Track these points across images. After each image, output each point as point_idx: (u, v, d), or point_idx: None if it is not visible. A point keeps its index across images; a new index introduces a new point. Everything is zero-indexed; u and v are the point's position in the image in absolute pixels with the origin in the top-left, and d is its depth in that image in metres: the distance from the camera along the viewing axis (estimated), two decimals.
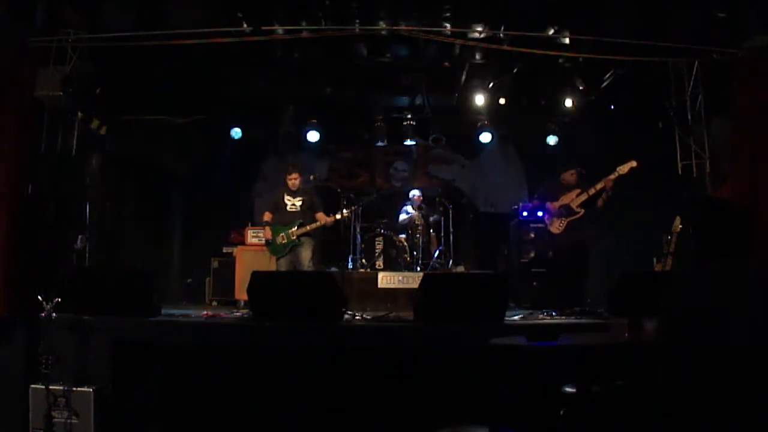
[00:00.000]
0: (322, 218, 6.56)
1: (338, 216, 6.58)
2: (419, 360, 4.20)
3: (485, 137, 8.49)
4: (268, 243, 6.61)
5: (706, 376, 1.98)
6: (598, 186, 5.90)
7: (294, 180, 6.64)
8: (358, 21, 6.08)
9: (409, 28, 6.51)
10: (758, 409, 1.89)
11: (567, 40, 6.38)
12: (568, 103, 7.85)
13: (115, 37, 5.64)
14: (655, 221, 6.73)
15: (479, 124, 8.41)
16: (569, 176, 6.20)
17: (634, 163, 5.82)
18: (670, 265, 6.12)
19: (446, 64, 7.63)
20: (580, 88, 7.62)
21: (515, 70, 7.49)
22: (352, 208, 7.06)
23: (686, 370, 2.03)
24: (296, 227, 6.46)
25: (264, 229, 6.60)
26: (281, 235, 6.46)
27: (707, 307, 2.05)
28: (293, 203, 6.61)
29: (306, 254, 6.49)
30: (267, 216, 6.69)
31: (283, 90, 8.13)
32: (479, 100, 7.89)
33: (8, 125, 4.91)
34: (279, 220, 6.58)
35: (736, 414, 1.91)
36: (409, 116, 9.00)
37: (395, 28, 6.49)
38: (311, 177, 7.19)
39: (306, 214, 6.59)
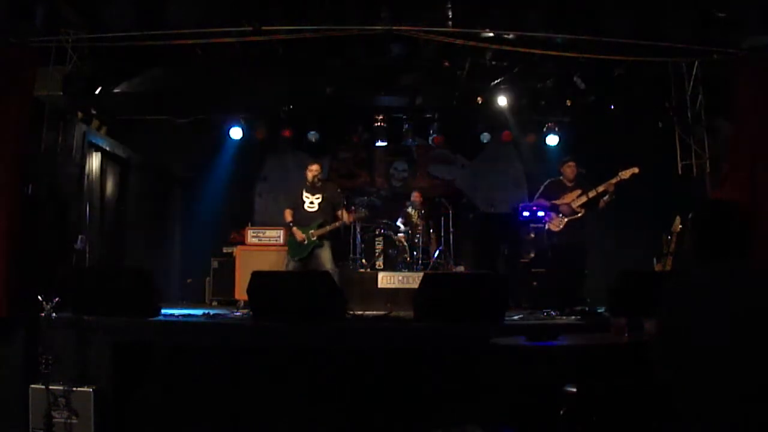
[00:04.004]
0: (343, 216, 6.31)
1: (353, 216, 6.50)
2: (419, 360, 4.20)
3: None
4: (290, 243, 6.33)
5: (704, 375, 1.98)
6: (600, 188, 5.91)
7: (314, 172, 6.35)
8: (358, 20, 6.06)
9: (409, 27, 6.52)
10: (756, 408, 1.89)
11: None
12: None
13: (115, 37, 5.63)
14: (655, 221, 6.73)
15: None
16: (568, 169, 6.20)
17: (636, 170, 5.83)
18: (670, 265, 6.13)
19: (446, 63, 7.64)
20: (580, 87, 7.62)
21: (515, 70, 7.50)
22: (362, 210, 6.90)
23: (685, 370, 2.03)
24: (316, 228, 6.20)
25: (293, 230, 6.24)
26: (302, 236, 6.21)
27: (706, 307, 2.05)
28: (311, 201, 6.31)
29: (326, 256, 6.22)
30: (288, 215, 6.36)
31: (282, 90, 8.14)
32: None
33: (8, 125, 4.91)
34: (298, 220, 6.29)
35: (734, 412, 1.91)
36: (410, 116, 9.03)
37: (394, 27, 6.50)
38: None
39: (325, 213, 6.31)
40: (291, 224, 6.29)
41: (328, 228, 6.23)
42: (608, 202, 5.91)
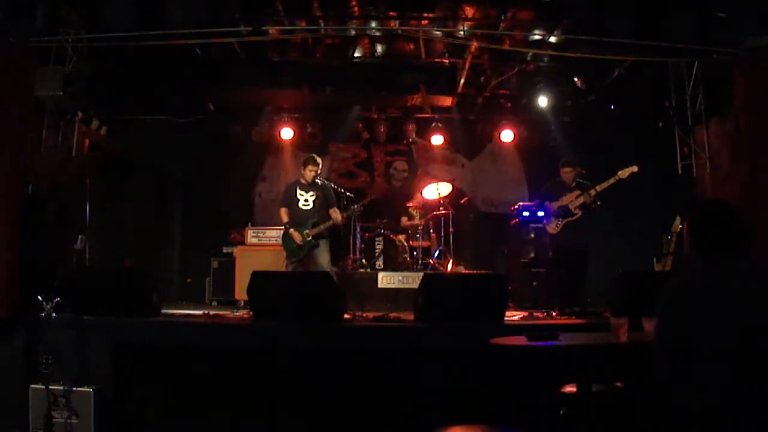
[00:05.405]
0: (335, 215, 6.24)
1: (346, 214, 6.42)
2: (419, 360, 4.20)
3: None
4: (287, 245, 6.22)
5: (704, 375, 1.98)
6: (599, 188, 5.89)
7: (311, 172, 6.24)
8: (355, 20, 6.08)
9: (407, 27, 6.53)
10: (756, 407, 1.89)
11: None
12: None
13: (115, 37, 5.64)
14: (655, 221, 6.73)
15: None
16: (565, 175, 6.18)
17: (635, 168, 5.79)
18: (670, 265, 6.13)
19: (446, 62, 7.65)
20: (581, 87, 7.63)
21: (516, 69, 7.51)
22: (358, 205, 6.76)
23: (684, 370, 2.03)
24: (311, 227, 6.13)
25: (290, 232, 6.13)
26: (300, 238, 6.14)
27: (705, 307, 2.05)
28: (306, 199, 6.23)
29: (324, 257, 6.16)
30: (284, 215, 6.28)
31: (282, 90, 8.15)
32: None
33: (8, 125, 4.91)
34: (293, 219, 6.22)
35: (734, 412, 1.92)
36: (410, 116, 9.04)
37: (394, 27, 6.51)
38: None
39: (320, 211, 6.24)
40: (288, 225, 6.22)
41: (322, 227, 6.16)
42: (594, 208, 5.90)
